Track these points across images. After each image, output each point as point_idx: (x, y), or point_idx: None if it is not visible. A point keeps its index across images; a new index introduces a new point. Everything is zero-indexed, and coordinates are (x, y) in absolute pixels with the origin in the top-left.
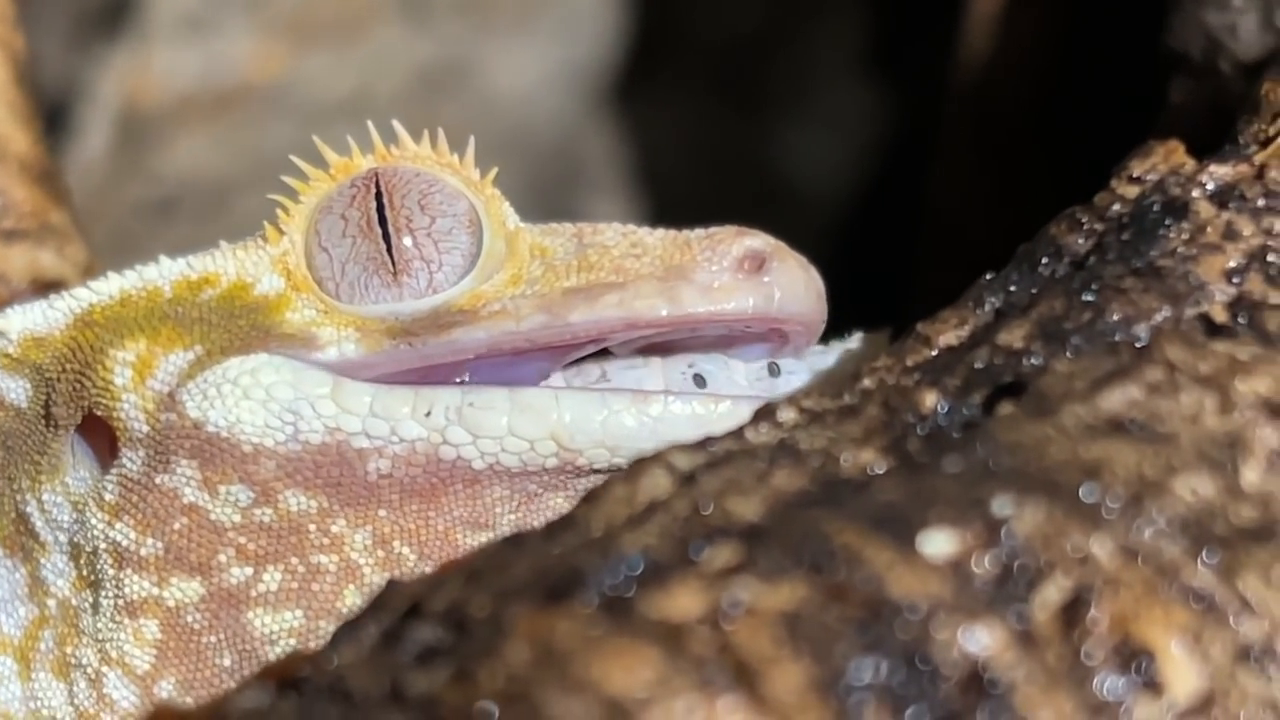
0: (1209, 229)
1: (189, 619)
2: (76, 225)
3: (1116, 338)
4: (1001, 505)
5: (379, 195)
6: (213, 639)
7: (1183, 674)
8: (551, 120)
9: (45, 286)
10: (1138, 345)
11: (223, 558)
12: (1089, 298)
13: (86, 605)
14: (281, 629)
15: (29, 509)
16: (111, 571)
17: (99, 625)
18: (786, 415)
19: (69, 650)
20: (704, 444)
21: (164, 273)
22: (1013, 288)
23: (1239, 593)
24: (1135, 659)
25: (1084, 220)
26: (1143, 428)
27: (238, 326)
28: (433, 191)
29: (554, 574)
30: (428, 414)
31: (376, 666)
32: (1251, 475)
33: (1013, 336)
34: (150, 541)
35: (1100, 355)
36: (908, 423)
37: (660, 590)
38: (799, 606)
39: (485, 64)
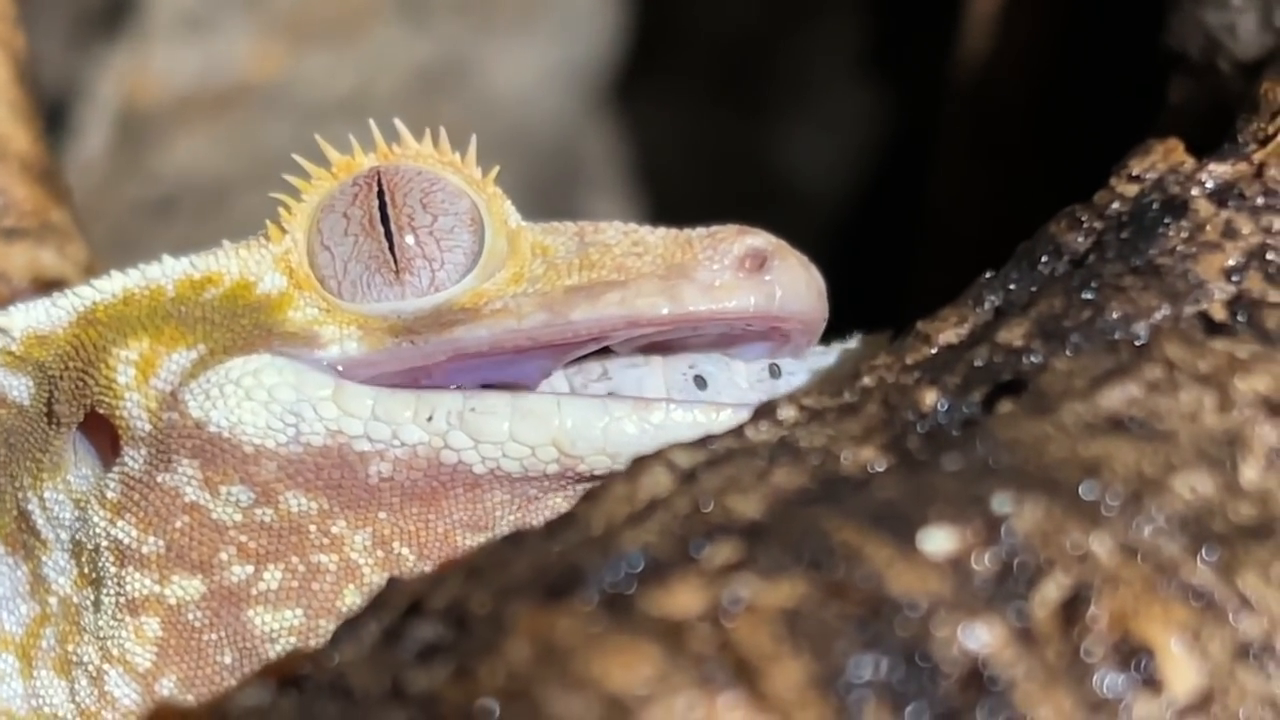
0: (1208, 227)
1: (190, 617)
2: (77, 224)
3: (1116, 336)
4: (1001, 503)
5: (381, 194)
6: (214, 637)
7: (1182, 671)
8: (550, 119)
9: (46, 285)
10: (1137, 343)
11: (224, 556)
12: (1088, 296)
13: (88, 603)
14: (282, 627)
15: (30, 506)
16: (113, 569)
17: (100, 623)
18: (787, 413)
19: (70, 648)
20: (704, 442)
21: (167, 272)
22: (1012, 286)
23: (1238, 590)
24: (1135, 656)
25: (1083, 219)
26: (1142, 425)
27: (240, 325)
28: (435, 190)
29: (554, 571)
30: (429, 418)
31: (377, 664)
32: (1250, 473)
33: (1012, 334)
34: (152, 539)
35: (1100, 353)
36: (908, 420)
37: (661, 588)
38: (799, 604)
39: (484, 63)
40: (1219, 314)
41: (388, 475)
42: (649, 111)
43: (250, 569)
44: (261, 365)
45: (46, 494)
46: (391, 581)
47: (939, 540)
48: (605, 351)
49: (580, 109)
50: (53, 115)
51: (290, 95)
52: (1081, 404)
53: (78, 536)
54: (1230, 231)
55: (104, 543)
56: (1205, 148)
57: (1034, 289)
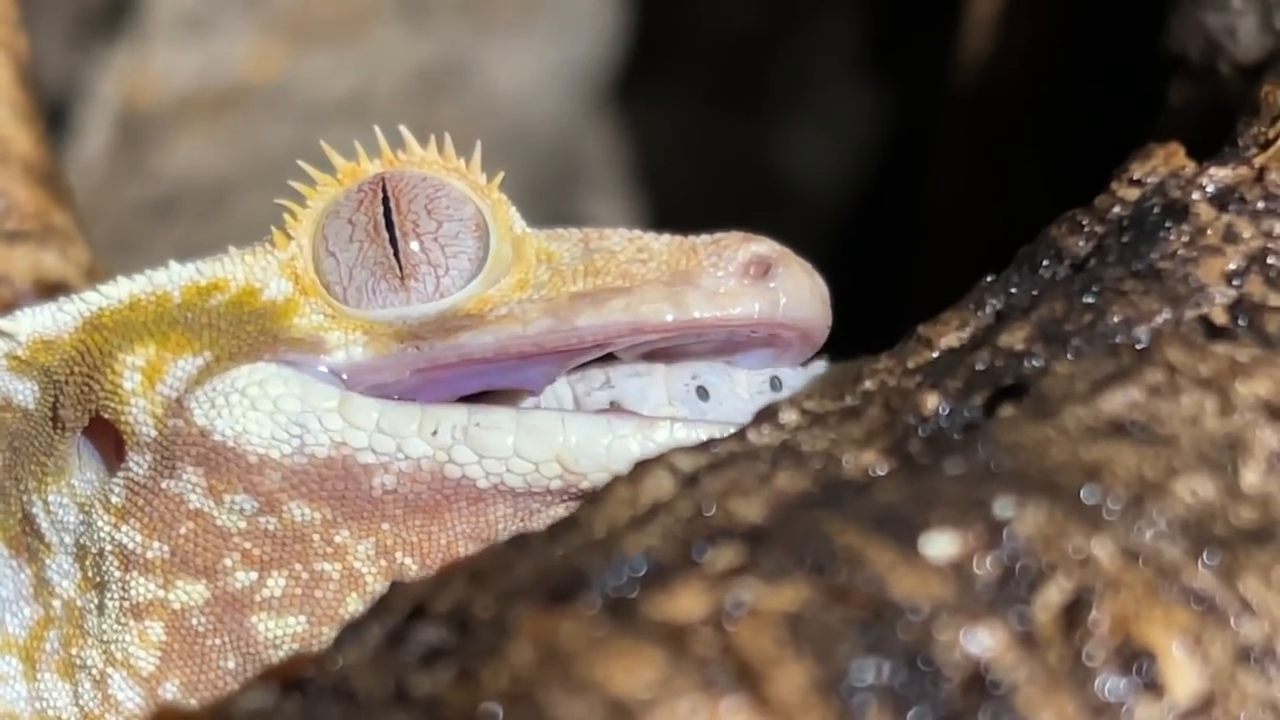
0: (1209, 231)
1: (194, 622)
2: (79, 226)
3: (1117, 340)
4: (1003, 507)
5: (386, 200)
6: (217, 642)
7: (1183, 675)
8: (550, 120)
9: (48, 288)
10: (1138, 347)
11: (228, 562)
12: (1089, 300)
13: (92, 606)
14: (285, 634)
15: (35, 510)
16: (117, 573)
17: (104, 626)
18: (788, 417)
19: (74, 651)
20: (706, 445)
21: (173, 278)
22: (1013, 290)
23: (1239, 594)
24: (1136, 660)
25: (1084, 223)
26: (1143, 429)
27: (246, 332)
28: (439, 196)
29: (557, 575)
30: (434, 432)
31: (380, 667)
32: (1251, 477)
33: (1013, 338)
34: (156, 545)
35: (1101, 357)
36: (909, 424)
37: (663, 591)
38: (801, 607)
39: (484, 64)
40: (1220, 318)
41: (391, 488)
42: (649, 112)
43: (254, 575)
44: (267, 375)
45: (51, 498)
46: (394, 585)
47: (941, 544)
48: (609, 358)
49: (580, 110)
50: (53, 116)
51: (290, 96)
52: (1083, 408)
53: (82, 540)
54: (1231, 235)
55: (108, 547)
56: (1205, 150)
57: (1035, 293)
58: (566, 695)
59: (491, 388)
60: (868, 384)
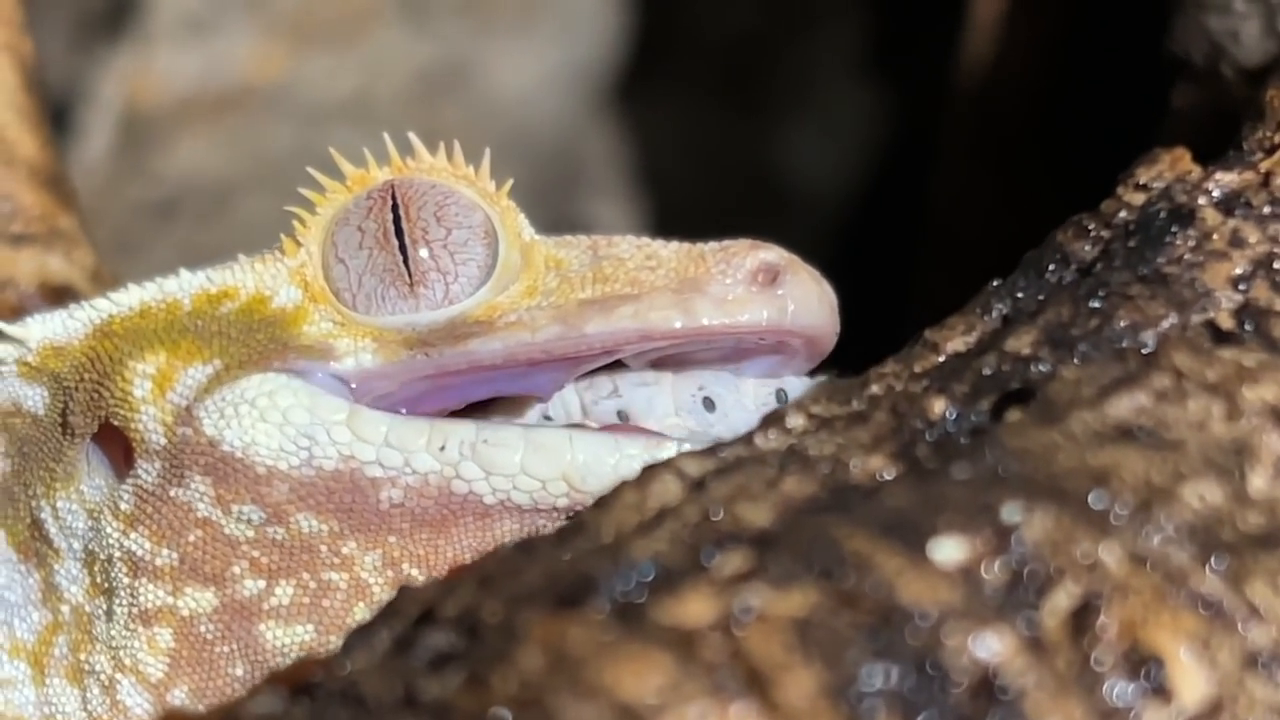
0: (1215, 236)
1: (202, 629)
2: (85, 229)
3: (1124, 344)
4: (1011, 512)
5: (395, 207)
6: (225, 649)
7: (1191, 680)
8: (551, 121)
9: (54, 291)
10: (1145, 352)
11: (236, 570)
12: (1096, 304)
13: (100, 612)
14: (293, 642)
15: (43, 515)
16: (126, 580)
17: (113, 632)
18: (795, 421)
19: (83, 656)
20: (714, 450)
21: (183, 285)
22: (1020, 294)
23: (1247, 599)
24: (1144, 665)
25: (1090, 227)
26: (1150, 434)
27: (256, 340)
28: (449, 203)
29: (566, 580)
30: (442, 448)
31: (389, 672)
32: (1259, 482)
33: (1020, 343)
34: (165, 552)
35: (1108, 362)
36: (916, 429)
37: (671, 596)
38: (810, 613)
39: (485, 65)
40: (1226, 323)
41: (398, 501)
42: (650, 113)
43: (262, 584)
44: (277, 386)
45: (59, 503)
46: (403, 589)
47: (949, 549)
48: (617, 365)
49: (582, 111)
50: (54, 117)
51: (292, 97)
52: (1090, 413)
53: (90, 546)
54: (1237, 240)
55: (117, 553)
56: (1209, 153)
57: (1041, 297)
58: (576, 700)
59: (500, 394)
60: (874, 388)
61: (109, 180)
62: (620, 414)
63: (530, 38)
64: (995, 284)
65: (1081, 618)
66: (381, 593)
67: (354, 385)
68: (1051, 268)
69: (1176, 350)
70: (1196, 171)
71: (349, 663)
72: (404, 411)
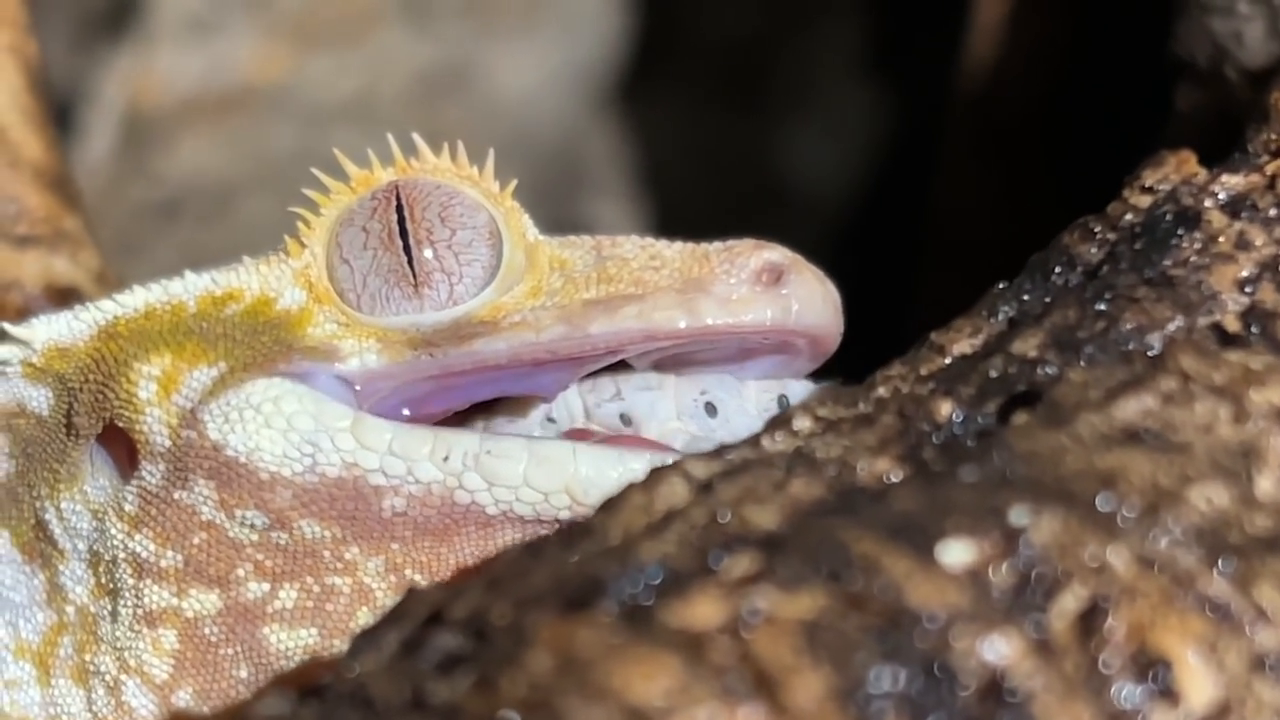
0: (1221, 239)
1: (207, 631)
2: (89, 231)
3: (1130, 347)
4: (1018, 515)
5: (400, 207)
6: (230, 651)
7: (1199, 683)
8: (553, 122)
9: (58, 293)
10: (1151, 355)
11: (240, 573)
12: (1102, 307)
13: (105, 613)
14: (297, 646)
15: (48, 516)
16: (131, 581)
17: (118, 633)
18: (802, 423)
19: (88, 657)
20: (720, 452)
21: (189, 287)
22: (1026, 297)
23: (1254, 601)
24: (1152, 668)
25: (1096, 229)
26: (1157, 437)
27: (261, 342)
28: (453, 204)
29: (574, 582)
30: (445, 458)
31: (397, 674)
32: (1266, 484)
33: (1026, 345)
34: (170, 554)
35: (1114, 364)
36: (923, 431)
37: (680, 599)
38: (818, 615)
39: (487, 66)
40: (1232, 325)
41: (401, 510)
42: (652, 114)
43: (266, 587)
44: (282, 392)
45: (64, 504)
46: (411, 591)
47: (957, 552)
48: (621, 365)
49: (583, 112)
50: (57, 118)
51: (294, 98)
52: (1097, 415)
53: (95, 547)
54: (1243, 243)
55: (122, 555)
56: (1212, 155)
57: (1047, 300)
58: (584, 703)
59: (504, 394)
60: (881, 391)
61: (111, 181)
62: (623, 416)
63: (532, 39)
64: (1001, 286)
65: (1089, 620)
66: (385, 598)
67: (358, 386)
68: (1057, 270)
69: (1183, 353)
70: (1202, 174)
71: (357, 665)
72: (408, 412)
